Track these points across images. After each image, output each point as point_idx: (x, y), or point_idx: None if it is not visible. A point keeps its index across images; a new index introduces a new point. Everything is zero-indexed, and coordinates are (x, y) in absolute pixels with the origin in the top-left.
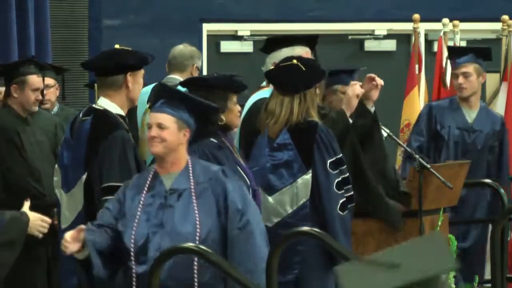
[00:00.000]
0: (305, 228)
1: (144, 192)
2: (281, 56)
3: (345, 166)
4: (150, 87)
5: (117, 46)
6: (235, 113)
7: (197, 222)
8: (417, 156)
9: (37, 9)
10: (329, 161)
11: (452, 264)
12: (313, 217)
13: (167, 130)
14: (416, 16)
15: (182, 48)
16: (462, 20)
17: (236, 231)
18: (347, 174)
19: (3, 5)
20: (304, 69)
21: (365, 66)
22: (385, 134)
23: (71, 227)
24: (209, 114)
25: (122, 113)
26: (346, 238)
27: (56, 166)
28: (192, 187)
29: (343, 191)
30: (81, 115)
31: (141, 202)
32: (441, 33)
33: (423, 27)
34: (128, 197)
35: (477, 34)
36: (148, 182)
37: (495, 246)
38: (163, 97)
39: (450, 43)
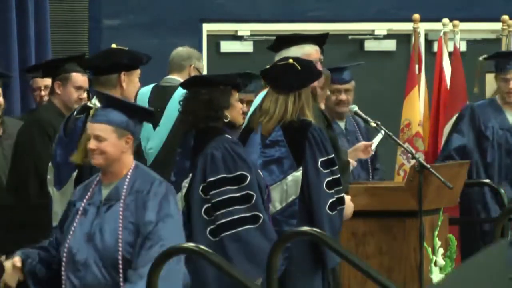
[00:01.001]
0: (305, 228)
1: (85, 200)
2: (291, 54)
3: (336, 167)
4: (149, 87)
5: (114, 45)
6: (238, 110)
7: (120, 236)
8: (417, 156)
9: (37, 9)
10: (320, 160)
11: None
12: (302, 215)
13: (106, 141)
14: (416, 16)
15: (181, 49)
16: (462, 20)
17: (143, 238)
18: (338, 176)
19: (3, 5)
20: (299, 68)
21: (362, 61)
22: (380, 136)
23: None
24: (145, 118)
25: None
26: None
27: (50, 164)
28: (123, 198)
29: (333, 191)
30: (75, 113)
31: (79, 212)
32: (441, 33)
33: (423, 27)
34: (72, 204)
35: (477, 34)
36: (90, 190)
37: None
38: (101, 103)
39: (450, 43)
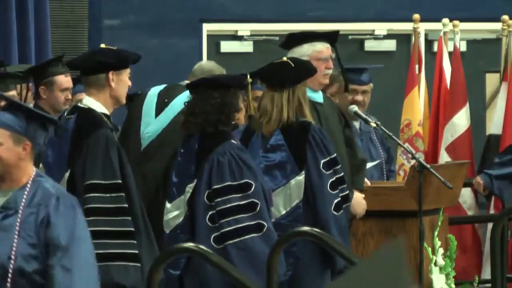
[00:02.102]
0: (305, 228)
1: None
2: (303, 52)
3: (339, 166)
4: (157, 89)
5: (102, 45)
6: (243, 112)
7: (13, 250)
8: (417, 156)
9: (37, 9)
10: (322, 162)
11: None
12: (307, 218)
13: (1, 146)
14: (416, 16)
15: (204, 63)
16: (462, 20)
17: (57, 269)
18: (342, 174)
19: (3, 5)
20: (293, 65)
21: (382, 64)
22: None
23: None
24: (47, 125)
25: (107, 112)
26: (342, 238)
27: (41, 165)
28: (21, 209)
29: (337, 191)
30: (65, 114)
31: None
32: (441, 33)
33: (423, 27)
34: None
35: (477, 34)
36: None
37: (495, 246)
38: (4, 107)
39: (450, 43)
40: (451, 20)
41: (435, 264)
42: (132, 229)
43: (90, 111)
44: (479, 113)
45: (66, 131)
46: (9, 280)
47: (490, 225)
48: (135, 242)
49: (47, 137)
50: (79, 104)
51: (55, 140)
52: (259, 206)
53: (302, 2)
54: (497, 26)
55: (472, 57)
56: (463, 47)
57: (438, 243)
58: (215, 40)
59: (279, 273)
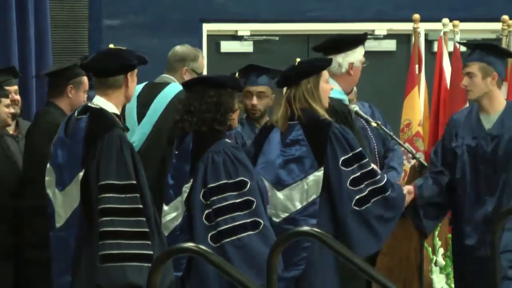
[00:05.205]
0: (305, 228)
1: None
2: (356, 56)
3: (365, 160)
4: (143, 84)
5: (111, 45)
6: (237, 113)
7: None
8: (417, 156)
9: (37, 9)
10: (341, 159)
11: None
12: (325, 214)
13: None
14: (416, 16)
15: (178, 48)
16: (462, 20)
17: None
18: (370, 168)
19: (3, 5)
20: (295, 65)
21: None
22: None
23: (65, 225)
24: None
25: (118, 112)
26: (369, 230)
27: (48, 166)
28: None
29: (362, 186)
30: (76, 114)
31: None
32: (441, 33)
33: (423, 27)
34: None
35: (477, 34)
36: None
37: (495, 246)
38: None
39: (450, 43)
40: (451, 20)
41: (436, 264)
42: (147, 229)
43: (102, 111)
44: None
45: (77, 131)
46: None
47: None
48: (149, 242)
49: None
50: (89, 104)
51: (66, 140)
52: (255, 203)
53: (302, 2)
54: (497, 26)
55: None
56: (463, 47)
57: (438, 243)
58: (215, 40)
59: (279, 272)
